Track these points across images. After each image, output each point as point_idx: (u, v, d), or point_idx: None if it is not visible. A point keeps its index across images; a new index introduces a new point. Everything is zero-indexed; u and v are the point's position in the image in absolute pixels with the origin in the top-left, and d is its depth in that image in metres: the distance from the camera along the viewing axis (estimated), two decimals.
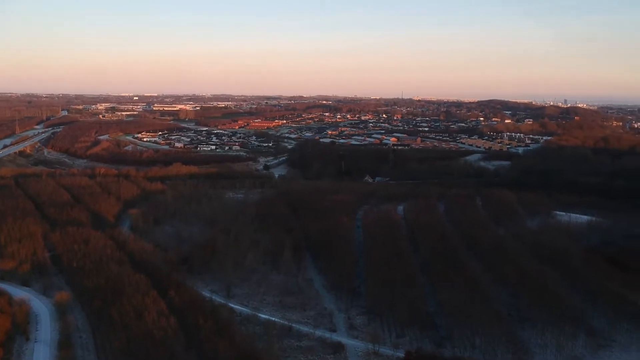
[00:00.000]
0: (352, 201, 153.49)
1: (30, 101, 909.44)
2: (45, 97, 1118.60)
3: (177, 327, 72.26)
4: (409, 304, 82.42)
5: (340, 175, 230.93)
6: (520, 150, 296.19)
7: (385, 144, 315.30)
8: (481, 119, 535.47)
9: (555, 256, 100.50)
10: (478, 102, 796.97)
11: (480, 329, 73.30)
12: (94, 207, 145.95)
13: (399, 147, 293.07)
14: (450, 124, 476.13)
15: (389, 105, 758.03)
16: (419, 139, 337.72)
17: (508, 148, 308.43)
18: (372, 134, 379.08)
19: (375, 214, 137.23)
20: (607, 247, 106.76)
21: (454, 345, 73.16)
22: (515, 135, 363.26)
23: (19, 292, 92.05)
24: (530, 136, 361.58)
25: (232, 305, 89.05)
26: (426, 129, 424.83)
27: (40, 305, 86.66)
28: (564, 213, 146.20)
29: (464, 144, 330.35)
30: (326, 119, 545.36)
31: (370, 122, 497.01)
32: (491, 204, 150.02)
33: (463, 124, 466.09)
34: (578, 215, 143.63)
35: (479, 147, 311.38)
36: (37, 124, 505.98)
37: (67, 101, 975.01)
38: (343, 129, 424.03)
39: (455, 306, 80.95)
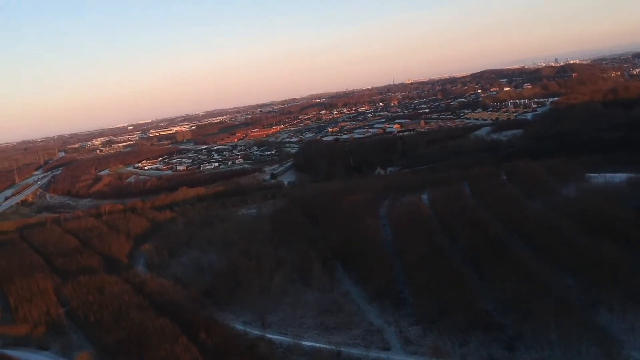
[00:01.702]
0: (371, 198, 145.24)
1: (26, 148, 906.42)
2: (41, 141, 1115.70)
3: None
4: (464, 305, 74.13)
5: (350, 172, 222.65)
6: (529, 116, 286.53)
7: (390, 132, 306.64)
8: (479, 91, 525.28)
9: (605, 224, 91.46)
10: (471, 75, 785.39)
11: (551, 322, 64.65)
12: (104, 250, 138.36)
13: (405, 133, 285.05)
14: (449, 101, 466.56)
15: (382, 93, 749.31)
16: (422, 122, 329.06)
17: (515, 116, 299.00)
18: (374, 124, 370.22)
19: (400, 209, 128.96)
20: None
21: (527, 345, 64.88)
22: (519, 102, 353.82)
23: (37, 358, 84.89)
24: (535, 100, 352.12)
25: (270, 336, 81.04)
26: (426, 110, 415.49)
27: None
28: (596, 174, 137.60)
29: (469, 119, 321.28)
30: (323, 117, 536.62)
31: (368, 113, 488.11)
32: (518, 178, 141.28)
33: (463, 99, 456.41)
34: (612, 174, 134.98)
35: (486, 120, 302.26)
36: (35, 170, 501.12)
37: (63, 142, 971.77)
38: (343, 124, 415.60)
39: (515, 300, 72.70)
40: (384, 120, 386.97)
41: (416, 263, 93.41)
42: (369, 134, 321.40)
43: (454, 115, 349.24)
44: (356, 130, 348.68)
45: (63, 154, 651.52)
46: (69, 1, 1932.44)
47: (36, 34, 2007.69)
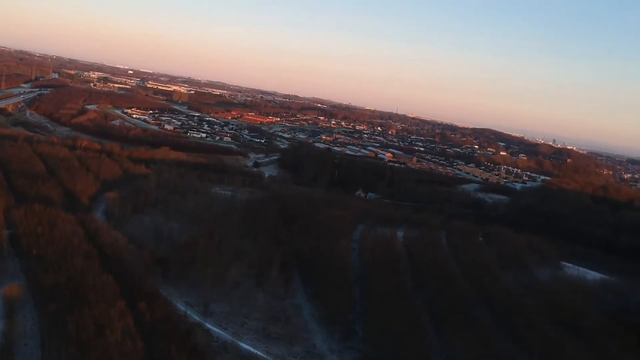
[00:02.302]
0: (349, 219, 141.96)
1: (22, 58, 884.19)
2: (39, 56, 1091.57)
3: (143, 354, 60.32)
4: (416, 354, 71.21)
5: (334, 185, 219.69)
6: (518, 186, 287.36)
7: (381, 159, 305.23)
8: (476, 146, 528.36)
9: (573, 319, 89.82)
10: (472, 129, 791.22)
11: None
12: (69, 185, 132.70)
13: (396, 165, 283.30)
14: (445, 147, 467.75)
15: (383, 119, 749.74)
16: (415, 159, 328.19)
17: (505, 182, 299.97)
18: (367, 145, 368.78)
19: (374, 239, 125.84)
20: (627, 315, 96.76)
21: None
22: (512, 170, 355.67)
23: None
24: (528, 173, 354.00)
25: (209, 327, 77.11)
26: (422, 148, 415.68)
27: None
28: (571, 265, 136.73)
29: (460, 170, 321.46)
30: (320, 123, 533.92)
31: (365, 133, 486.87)
32: (496, 244, 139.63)
33: (459, 149, 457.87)
34: (586, 270, 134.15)
35: (476, 177, 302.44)
36: (24, 83, 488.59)
37: (60, 64, 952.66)
38: (337, 136, 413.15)
39: None
40: (378, 145, 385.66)
41: (377, 297, 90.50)
42: (360, 153, 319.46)
43: (447, 163, 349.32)
44: (349, 146, 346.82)
45: (57, 75, 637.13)
46: None
47: None
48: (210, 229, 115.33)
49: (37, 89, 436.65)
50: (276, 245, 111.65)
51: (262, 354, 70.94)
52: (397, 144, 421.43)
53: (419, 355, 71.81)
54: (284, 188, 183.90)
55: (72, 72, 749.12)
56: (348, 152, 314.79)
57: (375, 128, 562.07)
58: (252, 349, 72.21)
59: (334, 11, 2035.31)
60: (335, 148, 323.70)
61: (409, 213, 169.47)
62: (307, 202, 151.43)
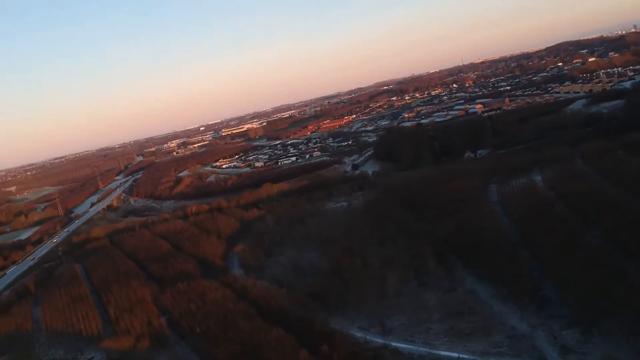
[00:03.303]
0: (475, 185, 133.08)
1: (105, 154, 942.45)
2: (119, 147, 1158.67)
3: None
4: (630, 303, 62.10)
5: (438, 157, 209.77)
6: (628, 84, 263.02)
7: (473, 113, 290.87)
8: (560, 64, 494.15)
9: None
10: (546, 48, 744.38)
11: None
12: (197, 252, 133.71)
13: (491, 113, 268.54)
14: (530, 76, 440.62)
15: (453, 75, 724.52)
16: (507, 100, 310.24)
17: (611, 86, 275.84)
18: (453, 106, 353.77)
19: (514, 195, 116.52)
20: None
21: None
22: (612, 71, 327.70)
23: None
24: (630, 68, 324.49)
25: (395, 344, 71.99)
26: (507, 87, 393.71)
27: None
28: None
29: (559, 93, 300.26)
30: (395, 103, 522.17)
31: (443, 95, 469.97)
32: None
33: (545, 74, 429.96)
34: None
35: (578, 92, 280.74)
36: (117, 175, 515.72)
37: (140, 146, 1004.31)
38: (418, 109, 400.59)
39: None
40: (462, 101, 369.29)
41: (551, 253, 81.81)
42: (449, 116, 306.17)
43: (541, 90, 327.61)
44: (435, 114, 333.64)
45: (141, 158, 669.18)
46: (141, 4, 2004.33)
47: (107, 39, 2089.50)
48: (345, 247, 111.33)
49: (130, 176, 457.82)
50: (417, 239, 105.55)
51: (466, 356, 64.65)
52: (480, 93, 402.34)
53: (633, 301, 62.61)
54: (392, 180, 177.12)
55: (153, 149, 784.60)
56: (437, 119, 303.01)
57: (451, 87, 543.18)
58: (452, 354, 66.23)
59: None
60: (423, 121, 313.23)
61: (531, 155, 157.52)
62: (423, 185, 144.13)
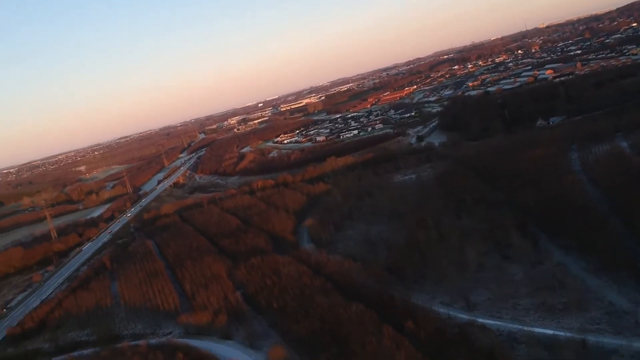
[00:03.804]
0: (554, 153, 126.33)
1: (168, 133, 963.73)
2: (180, 125, 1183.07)
3: None
4: None
5: (508, 126, 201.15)
6: None
7: (544, 79, 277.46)
8: (634, 24, 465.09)
9: None
10: (617, 9, 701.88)
11: None
12: (268, 227, 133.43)
13: (563, 78, 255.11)
14: (602, 39, 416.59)
15: (517, 41, 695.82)
16: (578, 64, 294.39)
17: None
18: (520, 73, 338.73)
19: (601, 161, 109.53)
20: None
21: None
22: None
23: (224, 350, 79.37)
24: None
25: (483, 321, 68.47)
26: (578, 51, 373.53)
27: None
28: None
29: (636, 54, 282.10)
30: (457, 72, 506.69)
31: (508, 63, 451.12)
32: None
33: (619, 35, 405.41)
34: None
35: None
36: (180, 153, 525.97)
37: (200, 124, 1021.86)
38: (482, 77, 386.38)
39: None
40: (530, 67, 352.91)
41: None
42: (517, 83, 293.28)
43: (616, 53, 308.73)
44: (502, 82, 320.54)
45: (203, 135, 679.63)
46: None
47: (169, 22, 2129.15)
48: (419, 220, 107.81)
49: (193, 154, 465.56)
50: (495, 210, 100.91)
51: (562, 333, 60.54)
52: (548, 58, 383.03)
53: None
54: (463, 151, 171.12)
55: (214, 126, 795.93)
56: (505, 87, 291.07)
57: (516, 53, 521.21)
58: (546, 331, 62.30)
59: None
60: (489, 89, 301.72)
61: (612, 121, 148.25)
62: (497, 155, 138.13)
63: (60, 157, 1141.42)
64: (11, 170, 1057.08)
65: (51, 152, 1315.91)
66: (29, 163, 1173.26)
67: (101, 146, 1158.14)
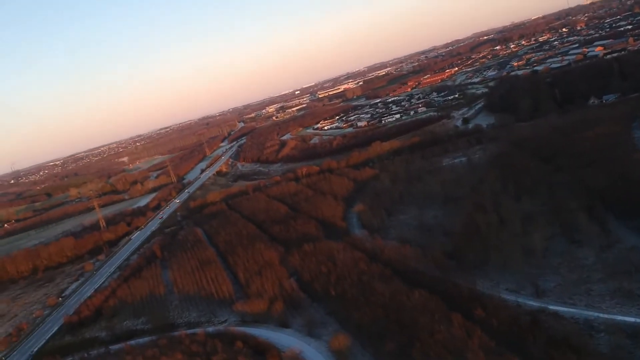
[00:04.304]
0: (616, 131, 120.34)
1: (207, 122, 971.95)
2: (219, 115, 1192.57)
3: None
4: None
5: (559, 106, 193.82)
6: None
7: (594, 57, 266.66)
8: None
9: None
10: None
11: None
12: (317, 214, 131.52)
13: (616, 55, 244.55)
14: None
15: (561, 18, 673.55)
16: (630, 39, 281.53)
17: None
18: (567, 51, 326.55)
19: None
20: None
21: None
22: None
23: (283, 339, 77.94)
24: None
25: (555, 308, 65.10)
26: (629, 27, 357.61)
27: (316, 356, 70.74)
28: None
29: None
30: (500, 53, 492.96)
31: (553, 41, 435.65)
32: None
33: None
34: None
35: None
36: (221, 142, 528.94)
37: (239, 113, 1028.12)
38: (527, 56, 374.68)
39: None
40: (577, 45, 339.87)
41: None
42: (565, 62, 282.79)
43: None
44: (548, 61, 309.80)
45: (242, 124, 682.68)
46: None
47: (204, 12, 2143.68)
48: (477, 203, 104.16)
49: (234, 142, 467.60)
50: (559, 191, 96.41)
51: None
52: (597, 35, 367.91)
53: None
54: (514, 131, 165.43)
55: (252, 115, 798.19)
56: (553, 66, 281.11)
57: (560, 31, 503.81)
58: (627, 318, 58.55)
59: None
60: (536, 68, 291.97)
61: None
62: (556, 135, 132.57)
63: (102, 148, 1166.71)
64: (57, 163, 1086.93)
65: (94, 144, 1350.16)
66: (73, 155, 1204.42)
67: (142, 137, 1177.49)
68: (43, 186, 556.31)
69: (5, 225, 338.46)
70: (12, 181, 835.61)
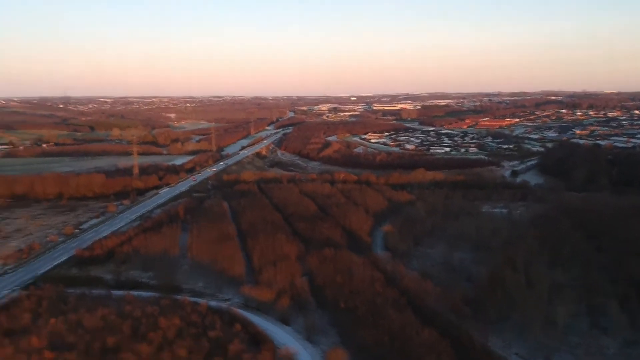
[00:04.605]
0: None
1: (259, 103, 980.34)
2: (272, 99, 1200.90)
3: None
4: None
5: (616, 185, 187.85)
6: None
7: None
8: None
9: None
10: None
11: None
12: (344, 222, 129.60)
13: None
14: None
15: (636, 100, 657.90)
16: None
17: None
18: (635, 134, 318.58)
19: None
20: None
21: None
22: None
23: (281, 335, 76.40)
24: None
25: None
26: None
27: None
28: None
29: None
30: (564, 117, 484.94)
31: (622, 120, 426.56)
32: None
33: None
34: None
35: None
36: (267, 125, 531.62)
37: (292, 103, 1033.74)
38: (592, 128, 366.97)
39: None
40: None
41: None
42: (631, 144, 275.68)
43: None
44: (613, 138, 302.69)
45: (292, 114, 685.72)
46: None
47: None
48: (508, 258, 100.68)
49: (280, 129, 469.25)
50: (596, 272, 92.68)
51: None
52: None
53: None
54: (564, 198, 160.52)
55: (304, 108, 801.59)
56: (618, 144, 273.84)
57: (632, 112, 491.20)
58: None
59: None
60: (599, 142, 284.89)
61: None
62: (608, 213, 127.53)
63: (154, 99, 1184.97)
64: (107, 100, 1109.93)
65: (147, 92, 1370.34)
66: (124, 98, 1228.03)
67: (194, 100, 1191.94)
68: (89, 118, 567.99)
69: (44, 145, 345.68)
70: (61, 105, 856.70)
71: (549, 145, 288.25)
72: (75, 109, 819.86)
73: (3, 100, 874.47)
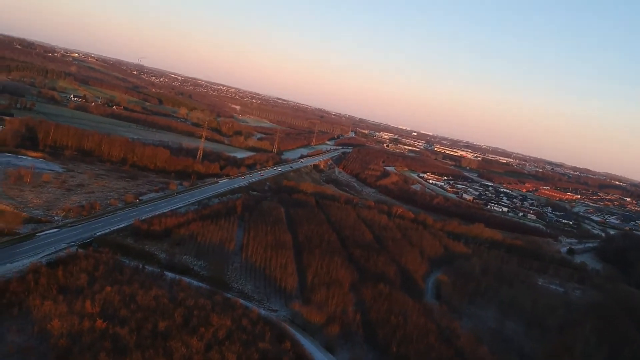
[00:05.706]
0: None
1: (322, 116, 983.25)
2: (334, 115, 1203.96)
3: None
4: None
5: None
6: None
7: None
8: None
9: None
10: None
11: None
12: (401, 260, 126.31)
13: None
14: None
15: None
16: None
17: None
18: None
19: None
20: None
21: None
22: None
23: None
24: None
25: None
26: None
27: None
28: None
29: None
30: (628, 206, 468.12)
31: None
32: None
33: None
34: None
35: None
36: (328, 140, 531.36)
37: (353, 122, 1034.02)
38: None
39: None
40: None
41: None
42: None
43: None
44: None
45: (353, 134, 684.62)
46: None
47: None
48: (565, 344, 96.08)
49: (339, 147, 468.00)
50: None
51: None
52: None
53: None
54: (623, 291, 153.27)
55: (366, 131, 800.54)
56: None
57: None
58: None
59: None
60: None
61: None
62: None
63: (222, 87, 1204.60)
64: (178, 77, 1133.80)
65: (217, 79, 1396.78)
66: (194, 79, 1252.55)
67: (259, 96, 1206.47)
68: (158, 91, 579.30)
69: (115, 107, 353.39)
70: (135, 72, 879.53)
71: (611, 232, 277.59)
72: (147, 78, 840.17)
73: (82, 54, 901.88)
